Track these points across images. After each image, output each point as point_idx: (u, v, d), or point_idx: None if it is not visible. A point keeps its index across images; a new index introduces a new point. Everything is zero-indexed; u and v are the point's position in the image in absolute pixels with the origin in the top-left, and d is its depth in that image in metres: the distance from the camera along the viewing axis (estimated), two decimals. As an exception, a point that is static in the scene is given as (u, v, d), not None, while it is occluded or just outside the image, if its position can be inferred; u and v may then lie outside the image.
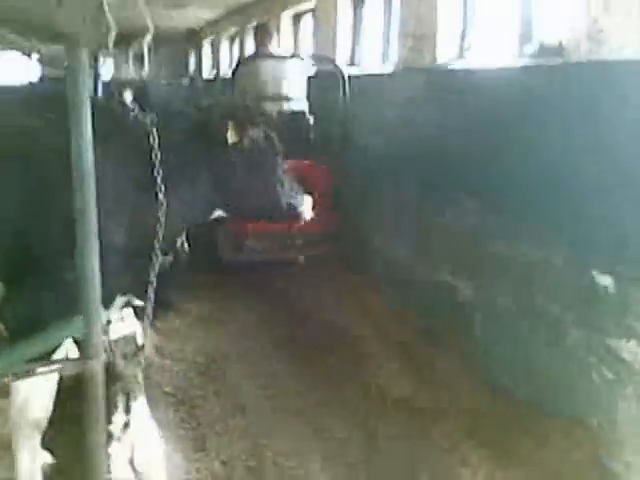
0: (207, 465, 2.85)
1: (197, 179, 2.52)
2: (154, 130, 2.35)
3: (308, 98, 5.82)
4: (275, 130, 2.79)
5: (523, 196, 3.49)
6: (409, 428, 3.30)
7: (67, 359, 1.98)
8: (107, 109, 2.55)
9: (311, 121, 5.63)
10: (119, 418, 2.76)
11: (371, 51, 5.98)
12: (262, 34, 5.86)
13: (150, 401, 3.27)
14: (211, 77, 12.49)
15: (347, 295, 5.09)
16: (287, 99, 5.56)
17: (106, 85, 14.79)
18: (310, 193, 3.12)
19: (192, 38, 14.29)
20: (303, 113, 5.67)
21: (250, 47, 9.89)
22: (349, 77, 5.52)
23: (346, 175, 5.60)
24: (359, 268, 5.50)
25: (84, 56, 1.57)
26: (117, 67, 26.06)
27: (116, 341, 3.46)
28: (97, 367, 1.84)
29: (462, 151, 4.05)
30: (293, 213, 2.94)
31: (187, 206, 2.51)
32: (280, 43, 8.07)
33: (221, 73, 11.56)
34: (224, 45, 11.65)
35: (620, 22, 2.89)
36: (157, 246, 2.37)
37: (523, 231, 3.52)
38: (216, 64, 12.21)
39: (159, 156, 2.33)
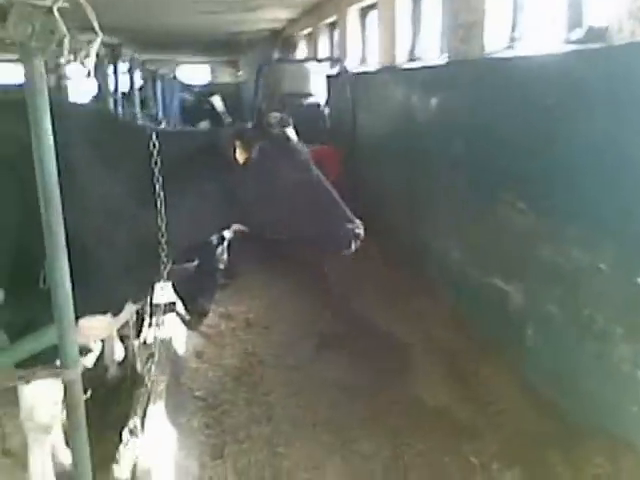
0: (220, 473, 2.84)
1: (205, 195, 2.47)
2: (155, 140, 2.36)
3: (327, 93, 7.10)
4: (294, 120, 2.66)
5: (565, 193, 3.21)
6: (440, 443, 3.14)
7: (43, 367, 2.00)
8: (109, 119, 2.58)
9: (326, 112, 6.82)
10: (132, 423, 2.81)
11: (431, 44, 5.74)
12: (285, 45, 8.03)
13: (178, 405, 3.32)
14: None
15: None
16: (304, 95, 6.95)
17: (195, 90, 15.45)
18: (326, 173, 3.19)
19: (275, 39, 14.46)
20: (319, 105, 7.03)
21: (324, 44, 9.88)
22: (356, 74, 6.54)
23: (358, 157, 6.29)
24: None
25: (39, 65, 1.58)
26: (213, 72, 27.16)
27: (146, 345, 3.54)
28: (73, 377, 1.85)
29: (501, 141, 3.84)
30: (336, 235, 2.56)
31: (193, 219, 2.48)
32: (347, 38, 8.01)
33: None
34: (302, 44, 11.69)
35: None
36: (163, 254, 2.39)
37: (569, 232, 3.23)
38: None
39: (164, 168, 2.34)
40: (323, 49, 9.88)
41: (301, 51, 11.73)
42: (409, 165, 5.45)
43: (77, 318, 2.27)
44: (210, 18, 11.30)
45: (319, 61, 8.17)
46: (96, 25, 1.70)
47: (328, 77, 7.33)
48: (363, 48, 7.93)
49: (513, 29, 4.11)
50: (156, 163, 2.33)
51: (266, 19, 12.23)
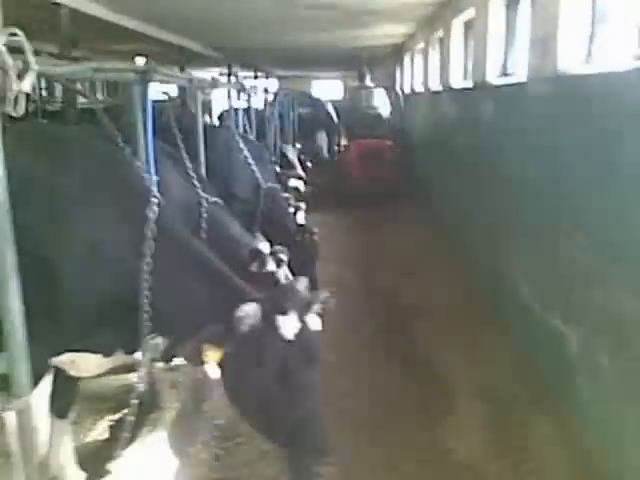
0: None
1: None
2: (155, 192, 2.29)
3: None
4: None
5: (620, 228, 2.77)
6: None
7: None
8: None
9: (386, 118, 12.36)
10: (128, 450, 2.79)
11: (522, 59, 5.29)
12: (360, 75, 13.83)
13: (193, 433, 3.28)
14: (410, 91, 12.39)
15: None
16: (374, 107, 13.60)
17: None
18: (385, 156, 10.30)
19: (395, 54, 14.27)
20: (381, 115, 12.86)
21: (434, 58, 9.53)
22: (404, 94, 12.06)
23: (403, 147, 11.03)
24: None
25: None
26: (345, 87, 27.33)
27: (171, 369, 3.53)
28: (22, 406, 1.80)
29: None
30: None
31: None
32: (451, 49, 7.71)
33: (414, 88, 11.48)
34: (417, 58, 11.40)
35: None
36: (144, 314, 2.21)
37: (620, 274, 2.78)
38: (410, 77, 12.02)
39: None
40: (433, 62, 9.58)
41: (418, 66, 11.49)
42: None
43: (65, 352, 2.30)
44: (324, 36, 11.41)
45: (377, 87, 14.80)
46: (31, 58, 1.71)
47: (391, 96, 12.85)
48: (465, 62, 7.55)
49: (592, 43, 3.65)
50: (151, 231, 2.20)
51: (383, 35, 12.12)
